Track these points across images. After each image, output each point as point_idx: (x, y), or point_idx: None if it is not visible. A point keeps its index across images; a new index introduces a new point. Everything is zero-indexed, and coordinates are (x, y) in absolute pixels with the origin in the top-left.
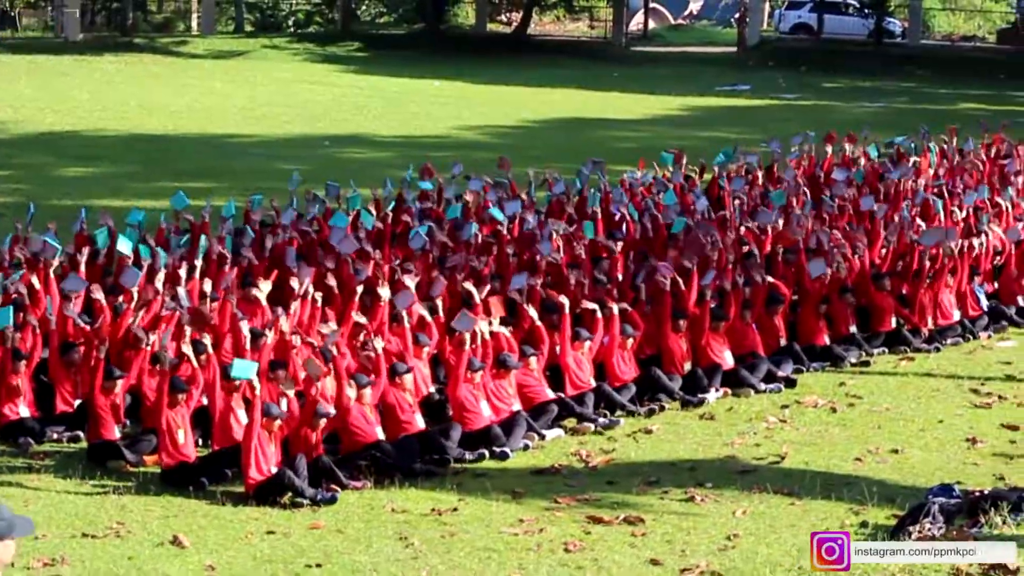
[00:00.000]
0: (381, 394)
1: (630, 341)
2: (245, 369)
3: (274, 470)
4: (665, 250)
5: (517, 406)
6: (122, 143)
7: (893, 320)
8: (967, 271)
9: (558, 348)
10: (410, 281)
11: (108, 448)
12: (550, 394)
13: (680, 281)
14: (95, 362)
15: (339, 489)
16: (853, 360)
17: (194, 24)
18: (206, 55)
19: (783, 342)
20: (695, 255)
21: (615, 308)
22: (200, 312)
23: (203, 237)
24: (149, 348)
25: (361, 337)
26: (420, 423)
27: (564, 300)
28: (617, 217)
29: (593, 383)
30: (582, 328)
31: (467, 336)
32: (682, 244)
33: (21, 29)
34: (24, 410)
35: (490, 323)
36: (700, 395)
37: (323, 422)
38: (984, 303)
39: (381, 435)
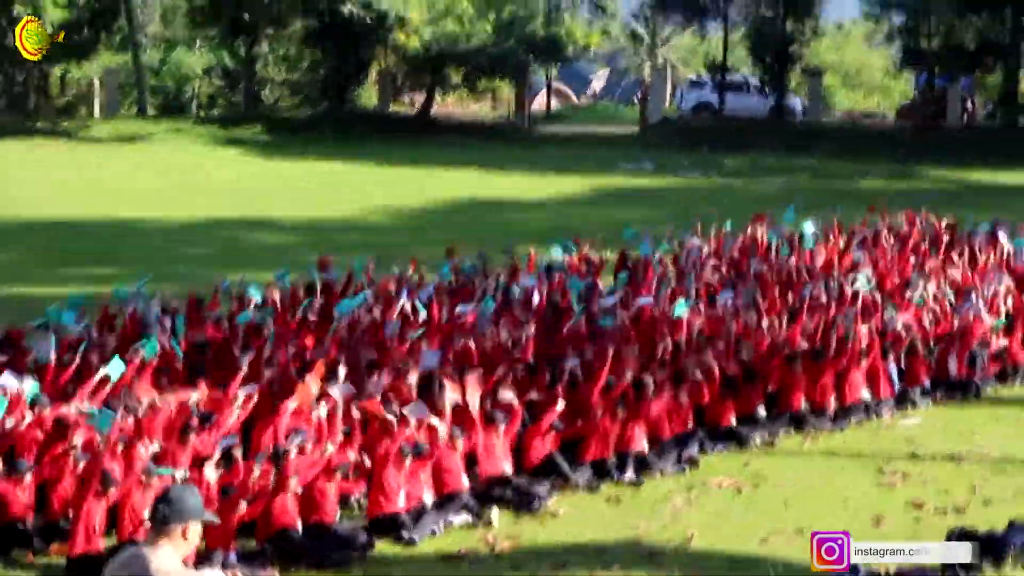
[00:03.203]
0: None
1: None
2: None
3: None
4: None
5: (428, 495)
6: (24, 229)
7: (802, 401)
8: (878, 351)
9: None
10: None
11: (13, 535)
12: (465, 482)
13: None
14: None
15: None
16: (758, 440)
17: (96, 108)
18: (109, 139)
19: (690, 424)
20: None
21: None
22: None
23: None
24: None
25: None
26: (335, 513)
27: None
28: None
29: (508, 469)
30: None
31: (413, 422)
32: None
33: None
34: None
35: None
36: (619, 476)
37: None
38: (896, 383)
39: (299, 524)
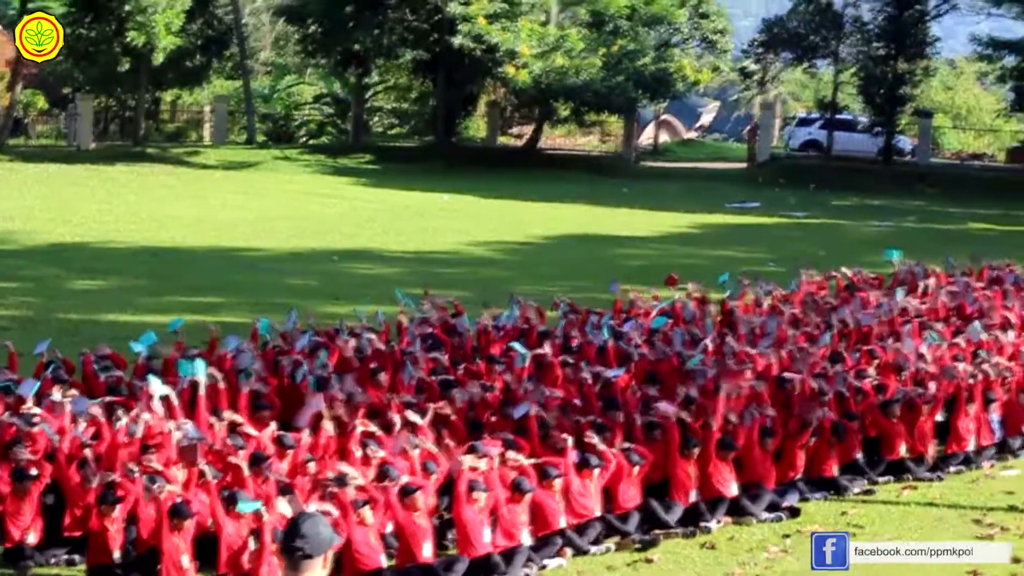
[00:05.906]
0: (392, 518)
1: (636, 469)
2: (250, 505)
3: None
4: (672, 377)
5: (526, 535)
6: (131, 256)
7: (902, 448)
8: (981, 399)
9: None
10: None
11: (106, 572)
12: (562, 522)
13: (685, 413)
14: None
15: None
16: (856, 489)
17: (206, 134)
18: (217, 165)
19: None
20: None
21: (618, 444)
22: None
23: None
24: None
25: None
26: (429, 552)
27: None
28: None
29: (598, 512)
30: (591, 455)
31: (467, 460)
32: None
33: (35, 137)
34: (31, 536)
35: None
36: (702, 524)
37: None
38: (997, 432)
39: (385, 562)
